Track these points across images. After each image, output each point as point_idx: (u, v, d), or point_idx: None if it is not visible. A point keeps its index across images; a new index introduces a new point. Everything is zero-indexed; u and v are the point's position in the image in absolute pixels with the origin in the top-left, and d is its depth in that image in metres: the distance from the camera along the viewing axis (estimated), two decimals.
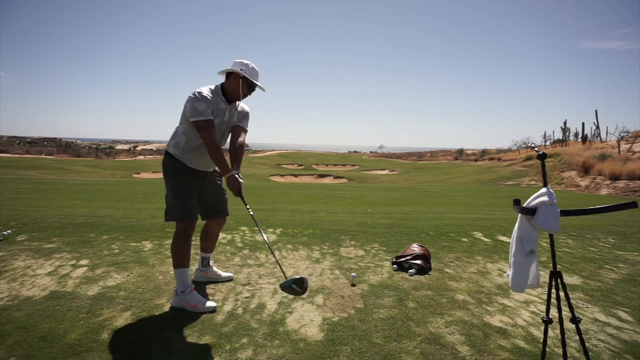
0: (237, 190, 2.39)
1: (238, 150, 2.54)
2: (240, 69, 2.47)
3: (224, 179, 2.50)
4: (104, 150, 58.02)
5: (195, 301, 2.41)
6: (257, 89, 2.59)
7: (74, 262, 3.24)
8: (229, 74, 2.51)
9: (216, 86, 2.49)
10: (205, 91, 2.40)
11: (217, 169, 2.74)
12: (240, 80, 2.47)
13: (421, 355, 1.94)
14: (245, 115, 2.64)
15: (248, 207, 2.47)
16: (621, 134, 24.38)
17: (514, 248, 1.73)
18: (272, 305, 2.51)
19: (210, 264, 2.93)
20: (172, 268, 3.09)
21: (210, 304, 2.43)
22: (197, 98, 2.35)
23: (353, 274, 3.00)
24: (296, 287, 2.19)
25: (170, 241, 3.94)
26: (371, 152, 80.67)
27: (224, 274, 2.96)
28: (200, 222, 2.93)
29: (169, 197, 2.52)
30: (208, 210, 2.75)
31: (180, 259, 2.47)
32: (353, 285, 2.88)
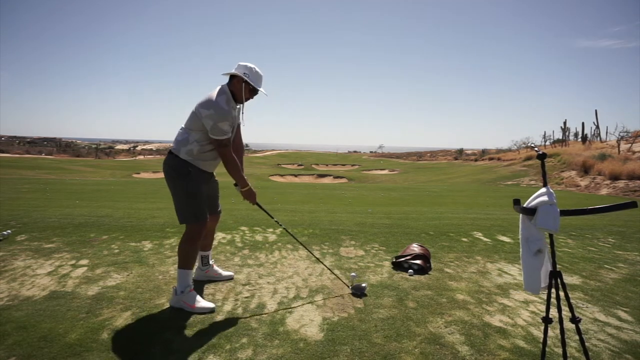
0: (254, 199, 2.65)
1: (241, 152, 2.72)
2: (244, 73, 2.48)
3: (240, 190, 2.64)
4: (103, 150, 57.97)
5: (194, 301, 2.40)
6: (259, 93, 2.61)
7: (73, 262, 3.24)
8: (233, 77, 2.51)
9: (227, 94, 2.48)
10: (225, 106, 2.40)
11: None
12: (243, 84, 2.49)
13: (421, 355, 1.94)
14: (238, 110, 2.69)
15: (275, 219, 2.94)
16: (621, 134, 24.38)
17: (522, 249, 1.72)
18: (272, 305, 2.51)
19: (211, 262, 2.94)
20: (172, 268, 3.11)
21: (208, 304, 2.42)
22: (223, 118, 2.36)
23: (353, 273, 2.95)
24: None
25: (170, 241, 3.97)
26: (371, 152, 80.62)
27: (225, 273, 2.97)
28: None
29: (182, 200, 2.48)
30: (208, 207, 2.76)
31: (188, 261, 2.46)
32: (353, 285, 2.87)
